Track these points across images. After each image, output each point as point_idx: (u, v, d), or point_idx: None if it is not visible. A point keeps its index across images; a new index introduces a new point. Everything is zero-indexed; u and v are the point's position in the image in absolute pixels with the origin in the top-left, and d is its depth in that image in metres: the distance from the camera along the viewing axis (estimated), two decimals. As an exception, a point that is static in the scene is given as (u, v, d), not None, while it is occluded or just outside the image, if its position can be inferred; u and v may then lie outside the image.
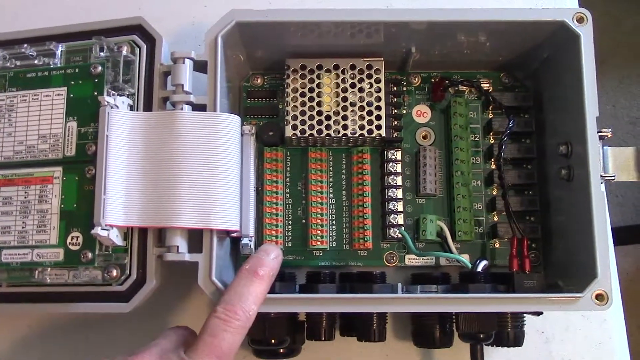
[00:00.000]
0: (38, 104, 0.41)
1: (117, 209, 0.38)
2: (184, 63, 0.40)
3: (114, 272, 0.38)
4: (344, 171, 0.46)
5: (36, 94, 0.41)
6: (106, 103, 0.38)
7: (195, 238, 0.39)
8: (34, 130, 0.41)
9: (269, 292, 0.38)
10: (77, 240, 0.39)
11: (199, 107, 0.40)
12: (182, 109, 0.40)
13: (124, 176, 0.38)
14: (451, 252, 0.44)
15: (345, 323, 0.42)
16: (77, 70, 0.41)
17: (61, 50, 0.42)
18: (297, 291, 0.41)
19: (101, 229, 0.37)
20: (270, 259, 0.37)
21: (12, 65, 0.42)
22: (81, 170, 0.40)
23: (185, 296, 0.46)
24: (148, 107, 0.40)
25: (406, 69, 0.47)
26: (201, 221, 0.38)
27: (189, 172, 0.38)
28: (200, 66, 0.41)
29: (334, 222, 0.46)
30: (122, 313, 0.38)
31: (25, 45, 0.42)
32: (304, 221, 0.45)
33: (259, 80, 0.48)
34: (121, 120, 0.39)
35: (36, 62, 0.42)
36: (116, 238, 0.38)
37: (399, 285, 0.41)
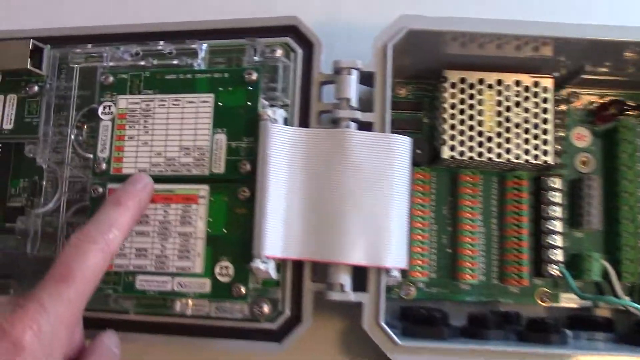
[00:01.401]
0: (180, 110, 0.36)
1: (277, 239, 0.33)
2: (349, 74, 0.35)
3: (265, 308, 0.34)
4: (494, 197, 0.42)
5: (177, 99, 0.36)
6: (267, 117, 0.34)
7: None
8: (175, 140, 0.36)
9: (437, 340, 0.34)
10: (226, 270, 0.34)
11: (363, 126, 0.35)
12: (347, 127, 0.35)
13: (283, 201, 0.34)
14: (617, 295, 0.40)
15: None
16: (226, 75, 0.36)
17: (204, 50, 0.37)
18: (459, 334, 0.37)
19: (261, 261, 0.33)
20: (137, 188, 0.34)
21: (149, 64, 0.37)
22: (232, 191, 0.35)
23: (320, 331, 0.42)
24: (304, 122, 0.36)
25: (566, 87, 0.43)
26: (373, 258, 0.33)
27: (359, 200, 0.34)
28: (362, 77, 0.36)
29: (483, 253, 0.41)
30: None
31: (162, 42, 0.37)
32: (449, 250, 0.41)
33: (403, 91, 0.43)
34: (282, 137, 0.34)
35: (176, 62, 0.37)
36: (273, 271, 0.34)
37: (568, 333, 0.37)
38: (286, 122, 0.36)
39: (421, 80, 0.43)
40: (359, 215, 0.33)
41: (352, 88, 0.35)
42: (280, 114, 0.35)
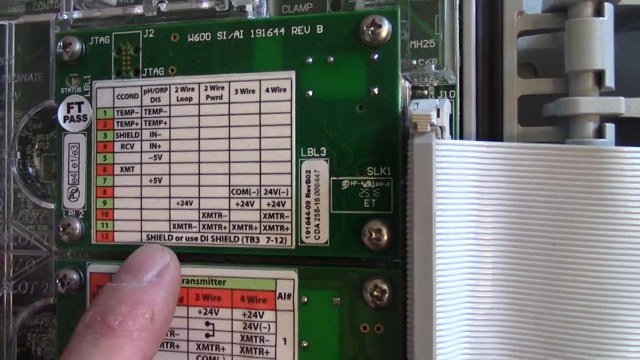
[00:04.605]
0: (224, 108, 0.17)
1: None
2: (599, 13, 0.16)
3: None
4: None
5: (217, 85, 0.17)
6: (428, 125, 0.15)
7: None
8: (219, 173, 0.17)
9: None
10: None
11: (627, 127, 0.16)
12: (599, 136, 0.16)
13: (468, 308, 0.15)
14: None
15: None
16: (321, 28, 0.17)
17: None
18: None
19: None
20: (145, 282, 0.16)
21: (152, 13, 0.18)
22: (350, 284, 0.16)
23: None
24: (490, 123, 0.17)
25: None
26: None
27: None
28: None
29: None
30: None
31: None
32: None
33: None
34: (464, 167, 0.15)
35: (207, 4, 0.18)
36: None
37: None
38: (451, 123, 0.17)
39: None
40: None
41: (607, 48, 0.16)
42: (446, 109, 0.16)
